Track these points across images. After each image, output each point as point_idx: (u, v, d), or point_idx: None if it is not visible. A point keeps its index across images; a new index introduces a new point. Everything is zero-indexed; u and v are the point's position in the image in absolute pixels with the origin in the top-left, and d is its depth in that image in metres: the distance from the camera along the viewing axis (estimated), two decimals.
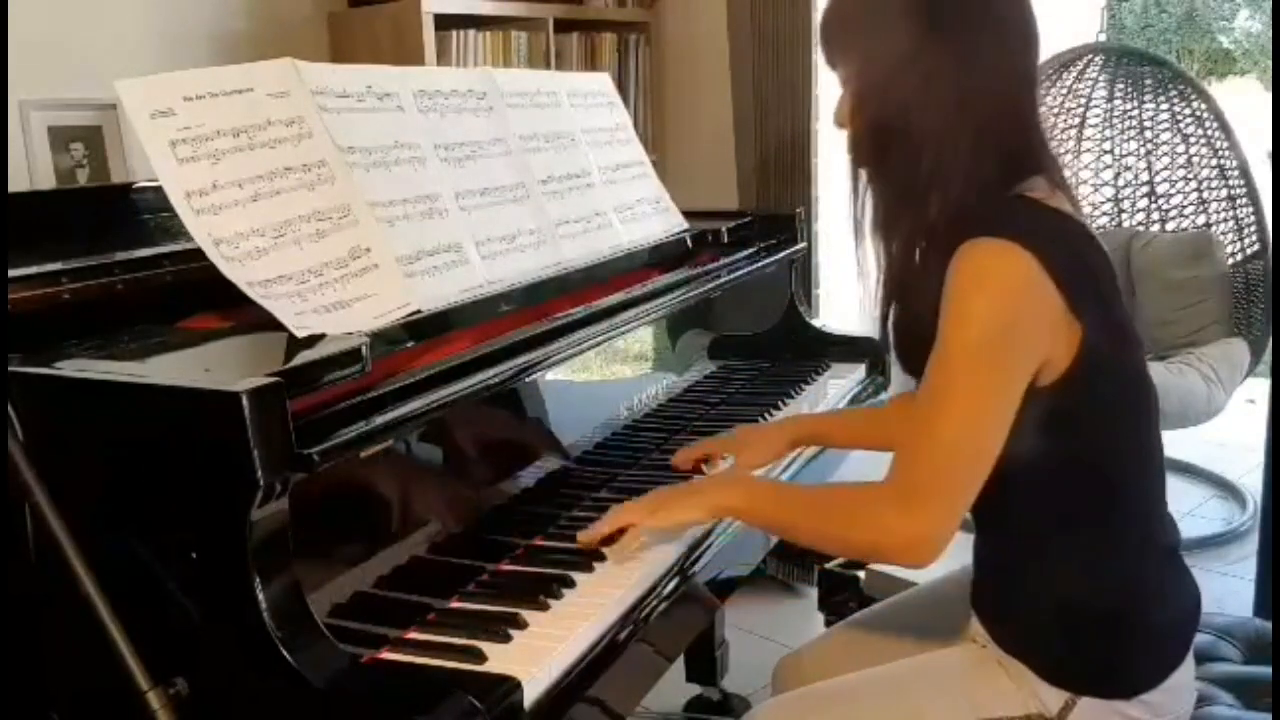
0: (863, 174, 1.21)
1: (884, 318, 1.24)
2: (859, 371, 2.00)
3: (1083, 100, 3.50)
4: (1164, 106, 3.40)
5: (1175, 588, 1.21)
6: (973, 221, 1.08)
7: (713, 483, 1.31)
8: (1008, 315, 1.06)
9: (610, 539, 1.23)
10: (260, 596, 0.92)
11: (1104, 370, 1.11)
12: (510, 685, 0.97)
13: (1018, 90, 1.15)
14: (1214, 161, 3.32)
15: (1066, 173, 1.23)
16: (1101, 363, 1.10)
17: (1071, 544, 1.17)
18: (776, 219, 2.08)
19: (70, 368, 1.01)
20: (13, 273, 1.12)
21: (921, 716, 1.20)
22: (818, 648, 1.48)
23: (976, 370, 1.06)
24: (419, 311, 1.21)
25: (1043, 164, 1.16)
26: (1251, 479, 3.28)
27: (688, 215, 1.85)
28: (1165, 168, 3.42)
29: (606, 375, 1.56)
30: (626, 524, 1.22)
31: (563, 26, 2.95)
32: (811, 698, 1.28)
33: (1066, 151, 3.45)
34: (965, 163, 1.12)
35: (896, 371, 2.08)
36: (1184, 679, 1.19)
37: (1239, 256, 3.28)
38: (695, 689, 2.24)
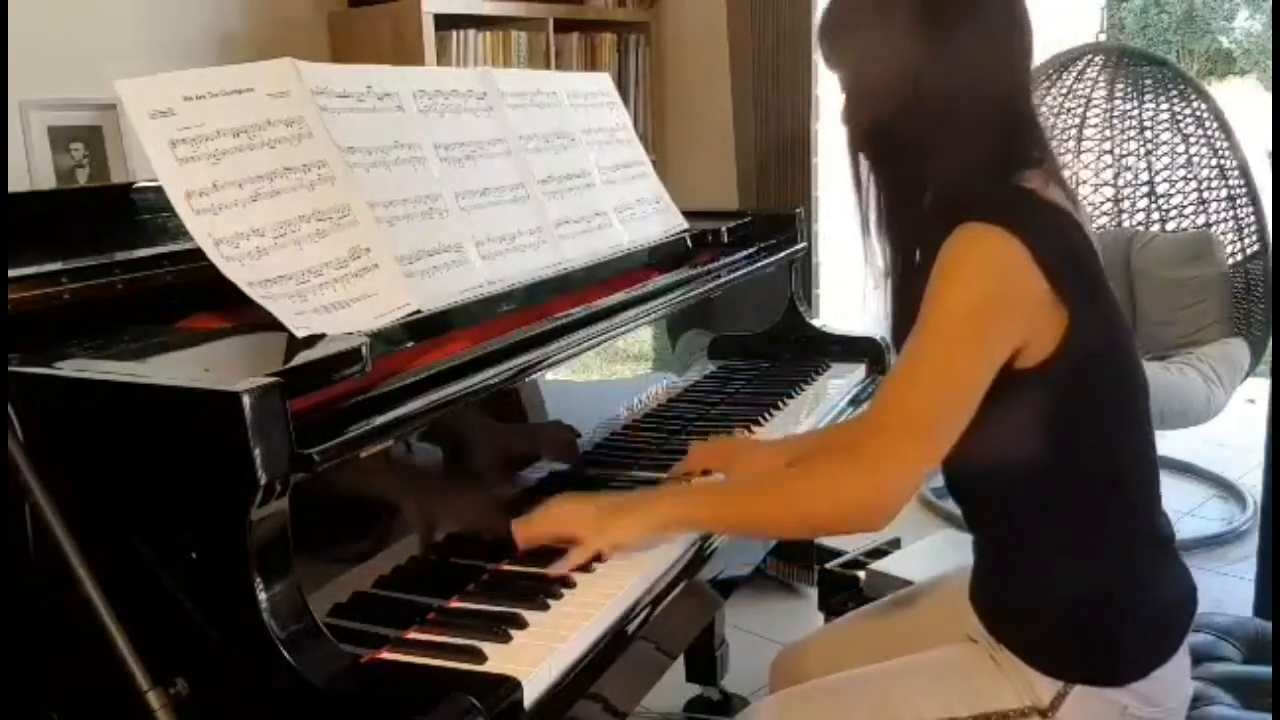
0: (864, 171, 1.23)
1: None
2: (859, 371, 2.00)
3: (1083, 100, 3.50)
4: (1164, 106, 3.40)
5: (1167, 579, 1.22)
6: (967, 207, 1.11)
7: (649, 498, 1.26)
8: (990, 293, 1.09)
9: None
10: (260, 596, 0.92)
11: (1091, 356, 1.13)
12: (510, 685, 0.97)
13: (1011, 86, 1.17)
14: (1214, 161, 3.32)
15: (1066, 172, 1.25)
16: (1088, 348, 1.12)
17: (1062, 536, 1.19)
18: (776, 219, 2.08)
19: (70, 368, 1.01)
20: (13, 273, 1.11)
21: (917, 712, 1.21)
22: (816, 643, 1.49)
23: (953, 339, 1.10)
24: (419, 311, 1.21)
25: (1038, 158, 1.19)
26: (1251, 479, 3.27)
27: (688, 215, 1.85)
28: (1165, 168, 3.42)
29: (606, 375, 1.56)
30: (568, 536, 1.20)
31: (563, 26, 2.96)
32: (809, 694, 1.29)
33: (1066, 152, 3.45)
34: (960, 158, 1.14)
35: None
36: (1177, 671, 1.19)
37: (1239, 256, 3.28)
38: (695, 689, 2.24)
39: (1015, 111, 1.18)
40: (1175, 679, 1.19)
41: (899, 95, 1.15)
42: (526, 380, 1.33)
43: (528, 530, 1.22)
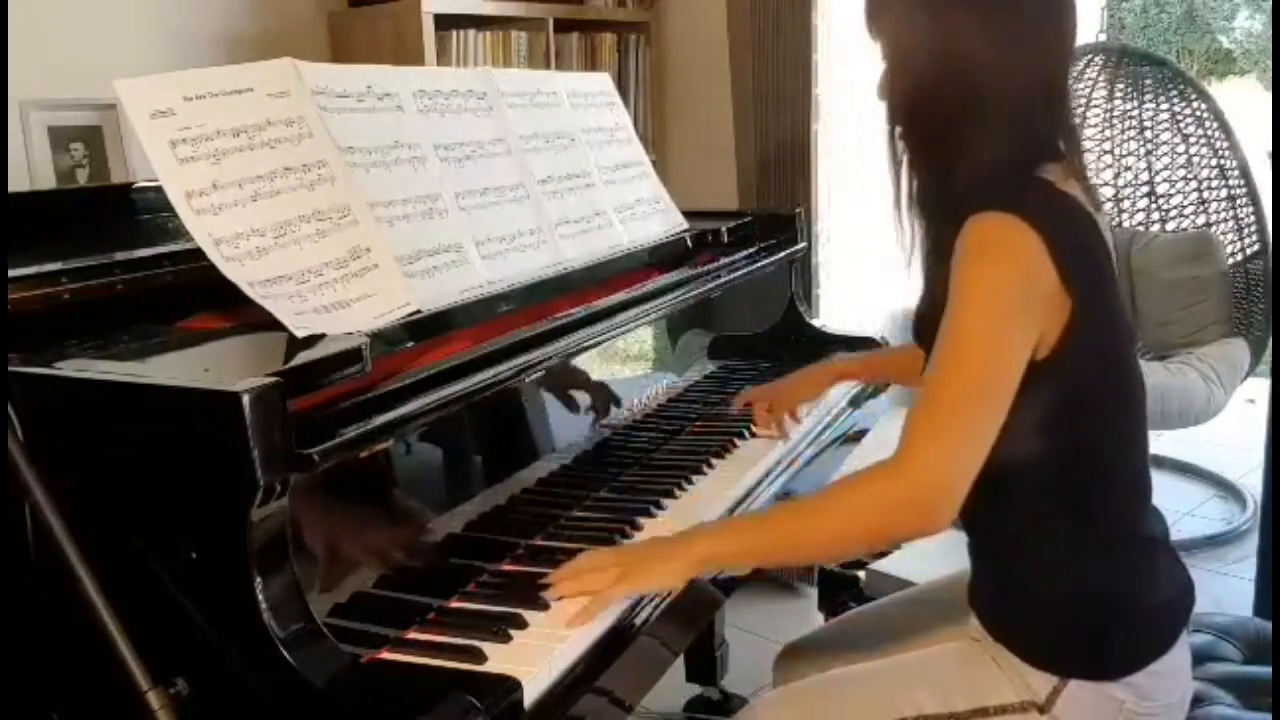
0: (902, 148, 1.22)
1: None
2: None
3: (1083, 100, 3.50)
4: (1164, 106, 3.40)
5: (1162, 574, 1.22)
6: (982, 197, 1.11)
7: (680, 542, 1.17)
8: (1015, 285, 1.09)
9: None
10: (260, 596, 0.92)
11: (1091, 352, 1.13)
12: (510, 685, 0.97)
13: (1050, 74, 1.17)
14: (1214, 161, 3.32)
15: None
16: (1089, 343, 1.12)
17: (1053, 535, 1.19)
18: (776, 219, 2.08)
19: (70, 368, 1.01)
20: (13, 273, 1.11)
21: (918, 707, 1.21)
22: (818, 642, 1.49)
23: (987, 333, 1.09)
24: (419, 311, 1.21)
25: (1062, 151, 1.18)
26: (1251, 479, 3.27)
27: (688, 215, 1.85)
28: (1165, 168, 3.42)
29: (606, 375, 1.56)
30: (589, 590, 1.13)
31: (563, 26, 2.95)
32: (808, 690, 1.30)
33: None
34: (994, 141, 1.14)
35: None
36: (1173, 666, 1.20)
37: (1239, 256, 3.28)
38: (695, 689, 2.25)
39: (1048, 102, 1.17)
40: (1172, 675, 1.20)
41: (936, 71, 1.14)
42: (526, 380, 1.33)
43: (554, 590, 1.16)
